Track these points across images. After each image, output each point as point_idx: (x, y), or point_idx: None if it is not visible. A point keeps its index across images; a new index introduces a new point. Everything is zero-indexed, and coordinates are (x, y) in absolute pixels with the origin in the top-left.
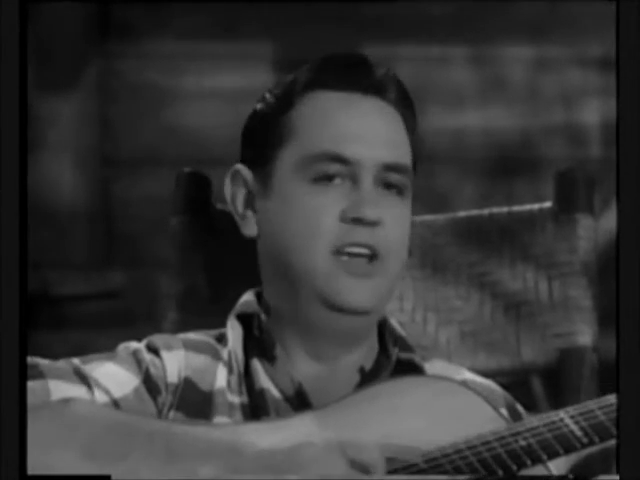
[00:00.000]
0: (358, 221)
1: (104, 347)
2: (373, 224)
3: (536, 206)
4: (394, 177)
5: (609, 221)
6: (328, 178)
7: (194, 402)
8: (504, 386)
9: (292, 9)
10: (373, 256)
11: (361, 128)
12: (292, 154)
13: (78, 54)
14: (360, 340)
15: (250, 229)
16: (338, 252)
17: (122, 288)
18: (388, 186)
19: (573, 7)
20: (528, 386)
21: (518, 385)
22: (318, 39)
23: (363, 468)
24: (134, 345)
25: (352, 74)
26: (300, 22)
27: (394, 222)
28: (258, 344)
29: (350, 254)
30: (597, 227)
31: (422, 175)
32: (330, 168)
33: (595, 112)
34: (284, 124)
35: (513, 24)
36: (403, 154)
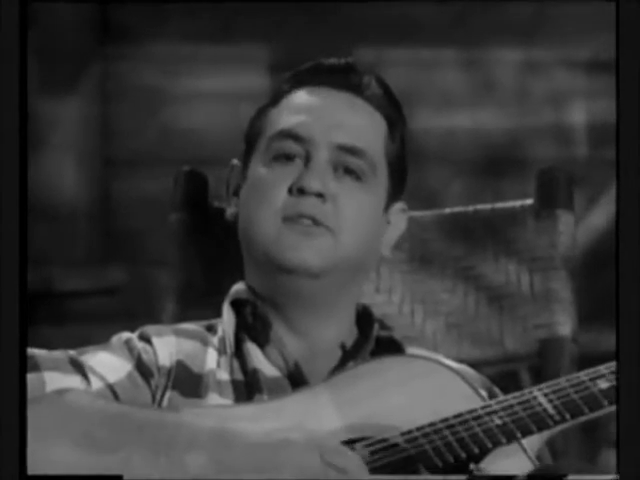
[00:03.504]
0: (301, 191)
1: (104, 341)
2: (317, 196)
3: (518, 203)
4: (351, 160)
5: (596, 218)
6: (285, 157)
7: (187, 382)
8: (493, 379)
9: (287, 13)
10: (318, 225)
11: (320, 111)
12: (263, 141)
13: (79, 58)
14: (328, 311)
15: (229, 213)
16: (286, 220)
17: (122, 284)
18: (347, 170)
19: (560, 10)
20: (517, 379)
21: (507, 378)
22: (312, 43)
23: (340, 471)
24: (126, 335)
25: (333, 74)
26: (294, 26)
27: (348, 202)
28: (250, 329)
29: (296, 223)
30: (585, 224)
31: (413, 174)
32: (285, 145)
33: (582, 113)
34: (264, 119)
35: (502, 27)
36: (364, 141)
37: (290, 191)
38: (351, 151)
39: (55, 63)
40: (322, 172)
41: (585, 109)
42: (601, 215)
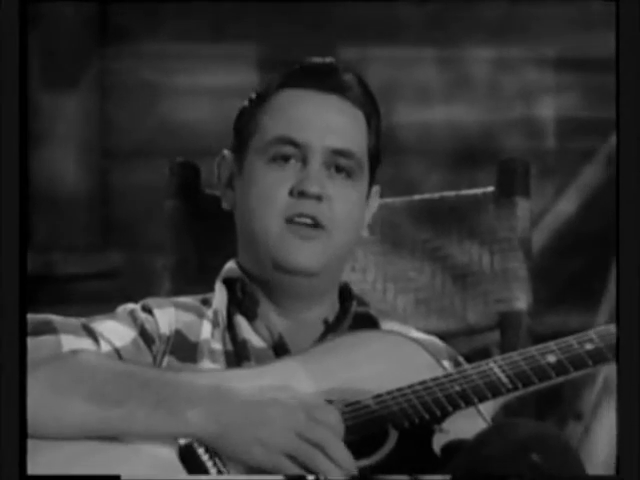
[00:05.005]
0: (302, 195)
1: None
2: (316, 198)
3: (480, 190)
4: (343, 161)
5: (564, 205)
6: (282, 158)
7: (184, 349)
8: (467, 355)
9: (274, 14)
10: (317, 225)
11: (314, 117)
12: (257, 140)
13: (79, 55)
14: (315, 298)
15: (227, 203)
16: (288, 221)
17: (119, 268)
18: (338, 169)
19: (530, 11)
20: (489, 355)
21: (480, 353)
22: (298, 41)
23: (321, 423)
24: (130, 306)
25: (319, 76)
26: (281, 26)
27: (340, 199)
28: (240, 304)
29: (297, 223)
30: (554, 211)
31: (393, 165)
32: (283, 150)
33: (550, 108)
34: (256, 117)
35: (476, 27)
36: (353, 142)
37: (291, 193)
38: (343, 154)
39: (56, 61)
40: (319, 175)
41: (553, 104)
42: (568, 202)
